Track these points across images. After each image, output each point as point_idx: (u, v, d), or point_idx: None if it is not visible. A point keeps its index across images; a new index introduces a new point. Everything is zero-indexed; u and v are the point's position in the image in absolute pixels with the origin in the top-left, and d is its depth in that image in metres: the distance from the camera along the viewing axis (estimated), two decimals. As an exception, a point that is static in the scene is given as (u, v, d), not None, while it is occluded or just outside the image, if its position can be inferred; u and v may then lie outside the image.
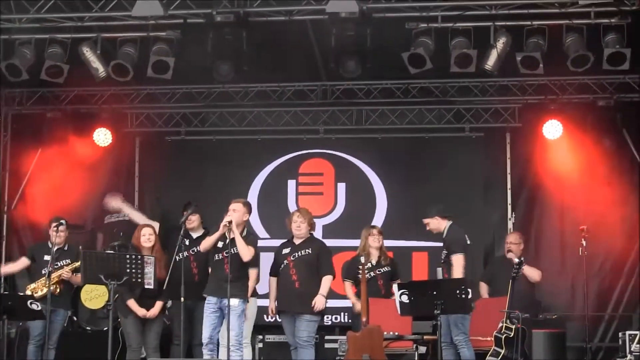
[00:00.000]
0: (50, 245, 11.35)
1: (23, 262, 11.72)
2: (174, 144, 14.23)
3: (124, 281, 10.28)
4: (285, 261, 11.07)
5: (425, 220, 10.97)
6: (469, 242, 10.71)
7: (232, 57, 12.74)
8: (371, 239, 11.49)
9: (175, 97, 14.05)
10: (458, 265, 10.56)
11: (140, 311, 10.81)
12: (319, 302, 10.87)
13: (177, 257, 10.78)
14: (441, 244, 13.23)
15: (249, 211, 10.76)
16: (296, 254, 11.05)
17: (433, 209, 11.00)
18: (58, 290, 11.32)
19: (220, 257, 10.62)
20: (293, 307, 10.99)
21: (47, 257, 11.29)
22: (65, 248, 11.50)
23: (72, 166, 14.03)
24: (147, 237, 10.97)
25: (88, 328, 12.84)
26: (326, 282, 10.99)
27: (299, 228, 11.11)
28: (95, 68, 12.58)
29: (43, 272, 11.28)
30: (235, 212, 10.51)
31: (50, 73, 12.43)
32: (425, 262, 13.45)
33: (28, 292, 11.28)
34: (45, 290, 11.19)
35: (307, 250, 11.08)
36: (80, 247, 11.88)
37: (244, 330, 10.67)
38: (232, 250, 10.41)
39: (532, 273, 12.02)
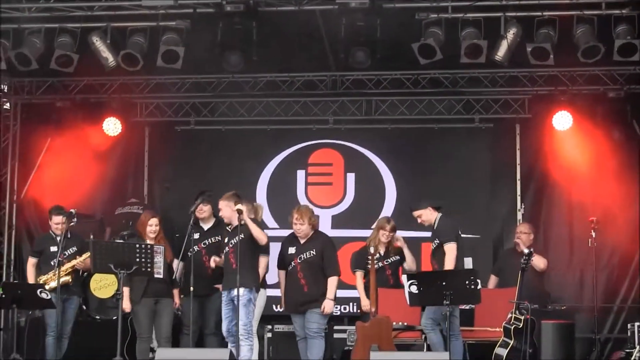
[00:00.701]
0: (54, 236, 11.39)
1: (32, 263, 11.69)
2: (184, 133, 14.22)
3: (134, 270, 10.32)
4: (293, 263, 11.12)
5: (417, 213, 11.00)
6: (460, 232, 10.69)
7: (242, 47, 12.75)
8: (381, 233, 11.48)
9: (185, 86, 14.04)
10: (451, 253, 10.61)
11: (126, 303, 10.84)
12: (327, 306, 10.95)
13: (190, 253, 10.92)
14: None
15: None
16: (302, 256, 11.11)
17: (424, 200, 11.07)
18: (71, 279, 11.35)
19: (227, 249, 10.69)
20: (302, 308, 11.08)
21: (53, 249, 11.31)
22: (69, 236, 11.50)
23: (81, 155, 14.04)
24: (153, 227, 11.02)
25: (97, 317, 12.85)
26: (332, 284, 11.04)
27: (299, 230, 11.15)
28: (104, 57, 12.59)
29: (52, 263, 11.29)
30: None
31: (60, 62, 12.44)
32: (434, 253, 13.43)
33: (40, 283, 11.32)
34: (56, 281, 11.22)
35: (311, 251, 11.10)
36: (91, 236, 11.97)
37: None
38: (233, 240, 10.52)
39: (537, 261, 11.98)
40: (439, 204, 10.97)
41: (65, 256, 11.30)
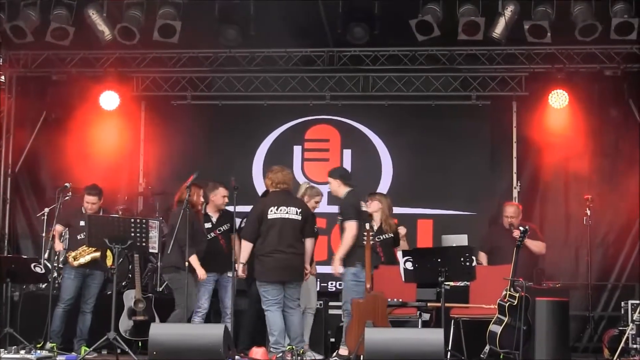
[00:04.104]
0: (84, 212, 11.31)
1: (58, 230, 11.59)
2: (180, 108, 14.18)
3: (129, 245, 10.31)
4: None
5: (328, 179, 11.00)
6: (364, 208, 10.69)
7: (239, 21, 12.72)
8: (367, 205, 11.45)
9: (182, 61, 13.98)
10: (349, 231, 10.61)
11: (201, 272, 10.72)
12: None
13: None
14: (446, 212, 13.36)
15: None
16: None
17: (337, 171, 11.10)
18: (99, 254, 11.30)
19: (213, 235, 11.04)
20: None
21: (82, 223, 11.23)
22: (101, 213, 11.42)
23: (76, 129, 13.99)
24: (201, 199, 11.05)
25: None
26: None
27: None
28: (101, 31, 12.57)
29: (79, 237, 11.21)
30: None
31: (56, 35, 12.42)
32: (430, 230, 13.49)
33: (70, 259, 11.26)
34: (87, 256, 11.20)
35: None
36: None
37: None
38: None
39: (537, 247, 11.96)
40: (348, 181, 10.90)
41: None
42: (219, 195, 11.41)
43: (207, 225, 11.30)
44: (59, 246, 11.57)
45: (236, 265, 10.94)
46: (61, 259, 11.99)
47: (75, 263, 11.19)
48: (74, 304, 11.38)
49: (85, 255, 11.20)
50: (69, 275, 11.31)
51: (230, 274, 11.24)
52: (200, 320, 11.07)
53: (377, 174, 13.82)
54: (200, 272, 10.65)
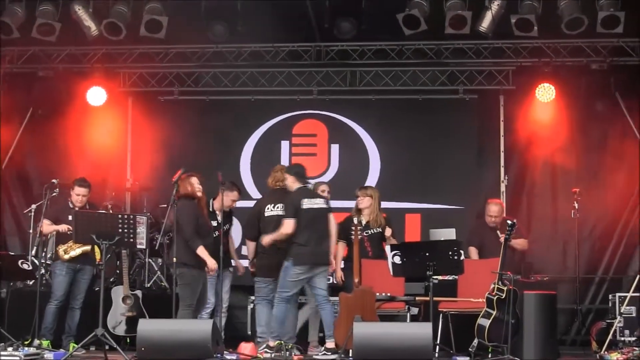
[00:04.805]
0: (72, 207, 11.26)
1: (46, 224, 11.39)
2: (167, 103, 14.15)
3: (116, 241, 10.27)
4: None
5: (285, 174, 11.03)
6: (304, 206, 10.64)
7: (226, 17, 12.70)
8: (358, 200, 11.46)
9: (169, 56, 13.95)
10: (284, 229, 10.61)
11: (211, 261, 10.43)
12: None
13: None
14: (434, 206, 13.36)
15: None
16: None
17: (293, 168, 11.15)
18: (90, 247, 11.23)
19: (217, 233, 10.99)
20: None
21: (71, 218, 11.14)
22: (88, 207, 11.38)
23: (63, 125, 13.97)
24: (197, 186, 10.64)
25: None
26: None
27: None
28: (87, 26, 12.55)
29: (68, 232, 11.12)
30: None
31: (42, 31, 12.40)
32: (418, 224, 13.50)
33: (60, 252, 11.20)
34: (77, 250, 11.14)
35: None
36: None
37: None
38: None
39: (520, 244, 11.93)
40: (301, 178, 10.88)
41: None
42: (229, 198, 11.32)
43: (214, 223, 11.24)
44: (48, 228, 11.37)
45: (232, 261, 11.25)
46: (49, 255, 11.95)
47: (66, 256, 11.12)
48: (66, 300, 11.33)
49: (76, 249, 11.13)
50: (60, 272, 11.23)
51: (231, 269, 11.42)
52: (207, 316, 11.06)
53: (365, 168, 13.82)
54: (210, 262, 10.38)
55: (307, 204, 10.67)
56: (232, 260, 11.56)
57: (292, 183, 10.87)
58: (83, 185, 11.31)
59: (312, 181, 11.73)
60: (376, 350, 9.36)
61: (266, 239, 10.82)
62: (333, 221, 10.91)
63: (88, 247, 11.14)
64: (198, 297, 10.53)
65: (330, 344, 10.62)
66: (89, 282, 11.48)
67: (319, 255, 10.64)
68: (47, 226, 11.37)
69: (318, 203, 10.76)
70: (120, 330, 11.68)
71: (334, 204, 12.98)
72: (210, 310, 11.14)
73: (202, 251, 10.38)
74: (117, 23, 12.32)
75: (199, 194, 10.61)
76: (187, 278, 10.46)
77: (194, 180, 10.62)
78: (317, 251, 10.61)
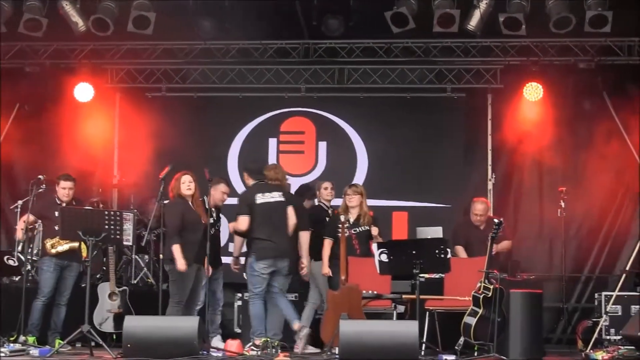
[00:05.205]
0: (58, 202, 11.20)
1: (30, 220, 11.31)
2: (155, 100, 14.13)
3: (103, 237, 10.25)
4: None
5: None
6: (258, 201, 10.63)
7: (215, 13, 12.67)
8: (346, 198, 11.44)
9: (156, 53, 13.93)
10: (237, 225, 10.67)
11: (180, 262, 10.35)
12: None
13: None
14: (421, 204, 13.36)
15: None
16: None
17: (246, 164, 11.28)
18: (77, 243, 11.17)
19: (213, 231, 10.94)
20: None
21: (58, 214, 11.09)
22: (74, 203, 11.33)
23: (50, 121, 13.94)
24: (187, 184, 10.64)
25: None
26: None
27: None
28: (74, 22, 12.51)
29: (56, 228, 11.05)
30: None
31: (29, 26, 12.36)
32: (405, 222, 13.50)
33: (48, 246, 11.12)
34: (65, 245, 11.08)
35: None
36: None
37: None
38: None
39: (503, 247, 11.93)
40: (254, 175, 10.88)
41: None
42: (219, 191, 11.27)
43: (211, 220, 11.18)
44: (19, 234, 11.42)
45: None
46: (34, 252, 11.91)
47: (54, 251, 11.07)
48: (53, 296, 11.28)
49: (63, 244, 11.08)
50: (47, 268, 11.16)
51: (222, 267, 11.37)
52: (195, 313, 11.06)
53: (353, 166, 13.82)
54: (180, 263, 10.34)
55: (260, 198, 10.67)
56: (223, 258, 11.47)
57: (246, 179, 10.93)
58: (68, 179, 11.27)
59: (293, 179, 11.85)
60: (362, 348, 9.33)
61: (229, 226, 10.88)
62: (292, 214, 10.83)
63: (75, 244, 11.09)
64: (190, 293, 10.54)
65: (257, 340, 10.50)
66: (76, 279, 11.42)
67: (280, 249, 10.63)
68: (19, 230, 11.40)
69: (274, 197, 10.74)
70: (107, 327, 11.66)
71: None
72: (199, 308, 11.09)
73: (176, 249, 10.38)
74: (104, 19, 12.29)
75: (187, 192, 10.58)
76: (175, 274, 10.47)
77: (185, 179, 10.62)
78: (279, 244, 10.62)
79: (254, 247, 10.63)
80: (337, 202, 11.60)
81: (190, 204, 10.63)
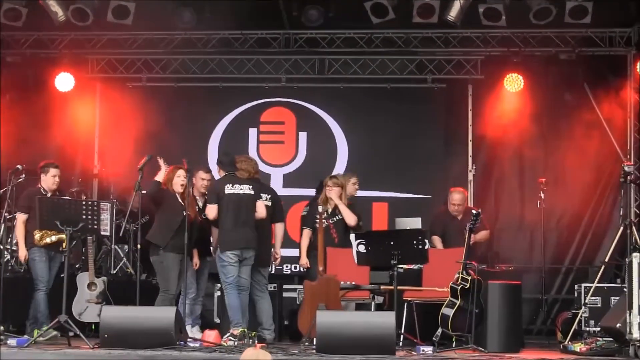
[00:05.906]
0: (44, 192, 11.10)
1: (22, 219, 11.10)
2: (135, 90, 14.08)
3: (80, 227, 10.22)
4: None
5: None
6: (227, 191, 10.61)
7: (195, 3, 12.63)
8: (326, 189, 11.41)
9: (137, 43, 13.89)
10: (206, 212, 10.69)
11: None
12: None
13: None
14: (401, 195, 13.35)
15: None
16: None
17: (218, 157, 11.26)
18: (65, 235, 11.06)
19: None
20: None
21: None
22: (57, 193, 11.23)
23: (31, 111, 13.89)
24: (182, 179, 10.75)
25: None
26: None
27: None
28: (54, 12, 12.46)
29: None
30: None
31: (9, 16, 12.33)
32: (385, 213, 13.51)
33: (37, 238, 10.99)
34: (53, 236, 11.01)
35: None
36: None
37: None
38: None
39: (482, 236, 11.94)
40: (225, 168, 10.84)
41: None
42: (198, 178, 11.23)
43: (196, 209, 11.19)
44: (20, 236, 11.23)
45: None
46: (14, 242, 11.83)
47: (42, 242, 10.99)
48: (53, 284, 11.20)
49: (52, 236, 11.00)
50: (40, 258, 11.03)
51: (209, 259, 11.28)
52: (190, 302, 11.01)
53: (333, 156, 13.81)
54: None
55: (229, 189, 10.65)
56: (211, 248, 11.37)
57: (219, 172, 10.96)
58: (57, 167, 11.22)
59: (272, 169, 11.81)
60: (339, 338, 9.33)
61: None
62: (261, 208, 10.80)
63: (63, 235, 10.98)
64: (178, 282, 10.63)
65: (235, 330, 10.47)
66: (57, 269, 11.40)
67: (246, 239, 10.60)
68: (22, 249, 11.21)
69: (243, 189, 10.70)
70: (87, 317, 11.62)
71: (301, 192, 13.07)
72: (193, 297, 11.09)
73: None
74: (84, 9, 12.25)
75: (180, 189, 10.75)
76: (157, 265, 10.63)
77: (181, 173, 10.82)
78: (244, 234, 10.59)
79: (221, 238, 10.65)
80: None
81: (179, 198, 10.69)
